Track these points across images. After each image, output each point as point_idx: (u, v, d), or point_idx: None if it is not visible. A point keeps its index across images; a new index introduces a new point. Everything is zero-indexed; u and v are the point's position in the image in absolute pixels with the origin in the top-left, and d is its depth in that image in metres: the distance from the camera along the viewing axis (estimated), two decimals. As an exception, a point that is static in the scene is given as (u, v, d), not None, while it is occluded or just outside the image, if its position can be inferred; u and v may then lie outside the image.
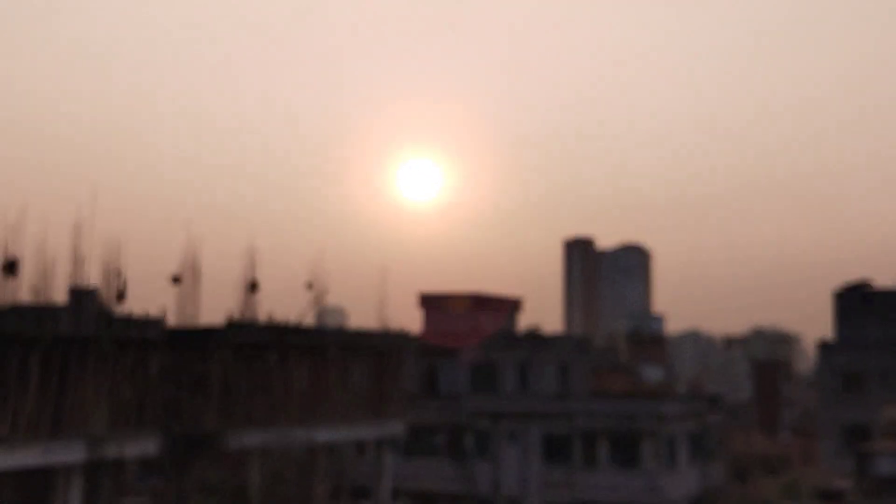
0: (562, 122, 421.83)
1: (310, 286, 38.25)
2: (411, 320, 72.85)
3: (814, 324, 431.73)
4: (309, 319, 38.23)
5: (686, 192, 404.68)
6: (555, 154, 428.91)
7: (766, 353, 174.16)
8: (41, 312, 27.78)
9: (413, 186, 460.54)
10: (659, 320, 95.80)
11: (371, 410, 40.15)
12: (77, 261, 29.60)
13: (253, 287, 34.70)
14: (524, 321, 69.19)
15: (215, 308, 36.03)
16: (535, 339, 60.59)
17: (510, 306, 66.84)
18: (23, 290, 28.94)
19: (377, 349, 40.44)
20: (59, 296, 30.80)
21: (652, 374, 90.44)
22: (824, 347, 62.31)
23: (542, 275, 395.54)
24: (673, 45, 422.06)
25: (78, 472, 29.01)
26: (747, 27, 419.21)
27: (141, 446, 30.15)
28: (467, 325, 60.94)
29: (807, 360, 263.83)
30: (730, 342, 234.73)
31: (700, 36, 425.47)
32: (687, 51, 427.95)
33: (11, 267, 28.30)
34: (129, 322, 29.94)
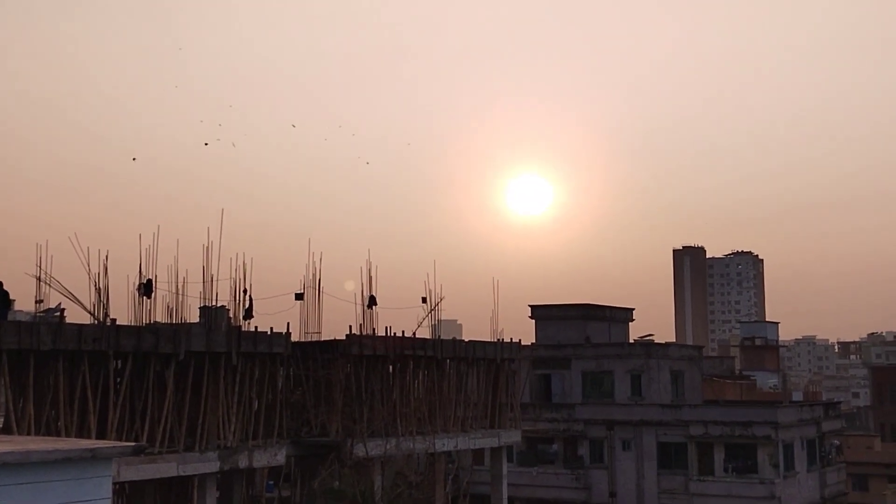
0: (673, 130, 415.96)
1: (424, 300, 39.33)
2: (524, 331, 73.49)
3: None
4: (425, 332, 39.27)
5: (798, 198, 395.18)
6: (665, 162, 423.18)
7: (883, 358, 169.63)
8: (175, 330, 29.05)
9: (523, 200, 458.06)
10: (773, 327, 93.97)
11: (487, 419, 40.99)
12: (207, 281, 30.98)
13: (371, 302, 35.90)
14: (636, 330, 69.02)
15: (336, 322, 37.38)
16: (647, 347, 60.56)
17: (622, 316, 66.94)
18: (158, 310, 30.53)
19: (491, 360, 41.22)
20: (192, 314, 32.42)
21: (766, 381, 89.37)
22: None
23: (654, 284, 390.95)
24: (789, 53, 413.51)
25: (212, 480, 30.35)
26: (868, 30, 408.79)
27: (270, 455, 31.41)
28: (579, 335, 61.20)
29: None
30: (846, 348, 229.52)
31: (816, 41, 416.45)
32: (801, 57, 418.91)
33: (147, 288, 29.80)
34: (257, 337, 31.23)
